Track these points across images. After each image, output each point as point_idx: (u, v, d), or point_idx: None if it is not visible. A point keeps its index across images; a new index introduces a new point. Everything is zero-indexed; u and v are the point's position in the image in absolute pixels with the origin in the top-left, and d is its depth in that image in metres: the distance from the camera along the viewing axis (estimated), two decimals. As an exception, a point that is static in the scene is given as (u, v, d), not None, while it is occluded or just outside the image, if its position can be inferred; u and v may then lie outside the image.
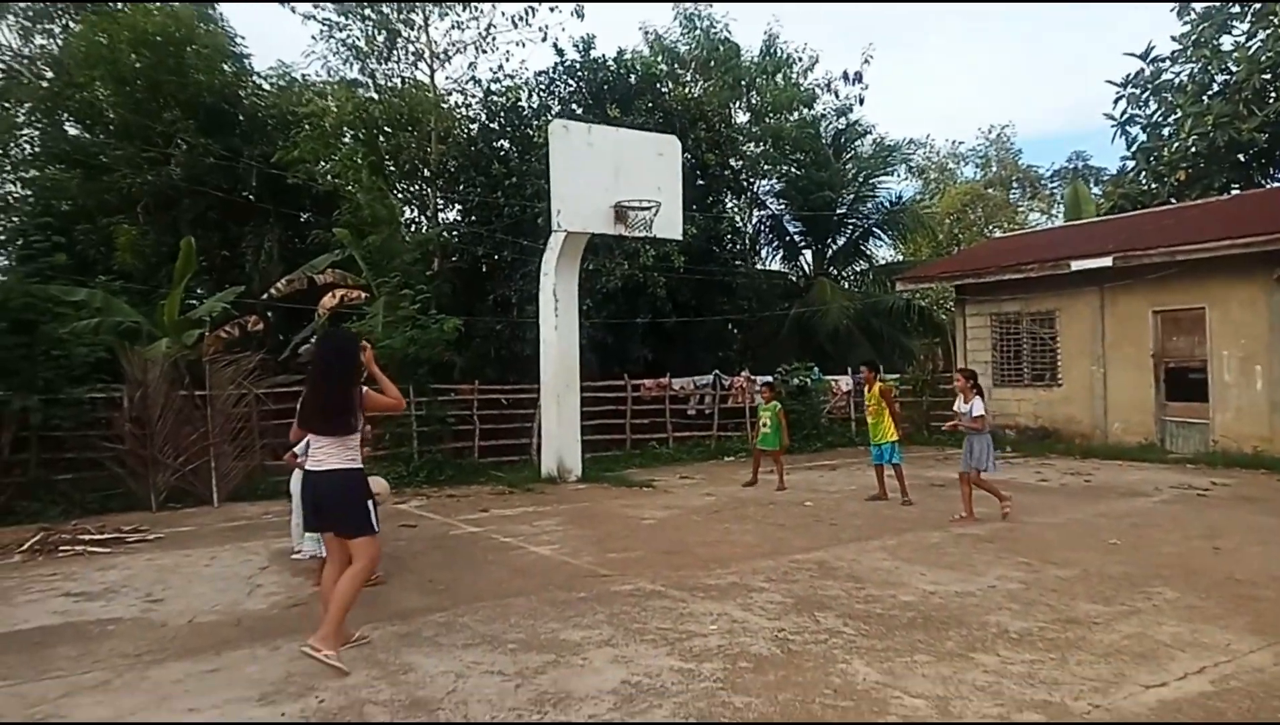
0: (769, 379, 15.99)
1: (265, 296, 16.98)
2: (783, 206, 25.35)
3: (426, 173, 19.77)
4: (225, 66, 19.47)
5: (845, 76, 24.51)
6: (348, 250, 16.72)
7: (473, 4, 19.33)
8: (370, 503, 5.07)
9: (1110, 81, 25.32)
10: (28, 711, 4.36)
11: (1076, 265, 15.61)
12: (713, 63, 22.28)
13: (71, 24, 19.58)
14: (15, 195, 20.09)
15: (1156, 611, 5.70)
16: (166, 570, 7.71)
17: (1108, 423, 15.82)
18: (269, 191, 18.90)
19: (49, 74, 19.88)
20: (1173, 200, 21.85)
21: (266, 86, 20.78)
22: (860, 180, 25.11)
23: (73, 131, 19.93)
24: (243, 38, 20.85)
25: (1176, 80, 24.13)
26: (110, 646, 5.46)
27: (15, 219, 19.19)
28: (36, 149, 20.21)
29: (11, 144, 20.17)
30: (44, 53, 20.34)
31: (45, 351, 11.07)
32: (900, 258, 28.90)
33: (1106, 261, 15.14)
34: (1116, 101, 25.30)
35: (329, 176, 19.00)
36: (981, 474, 9.27)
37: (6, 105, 19.81)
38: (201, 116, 18.36)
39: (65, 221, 17.62)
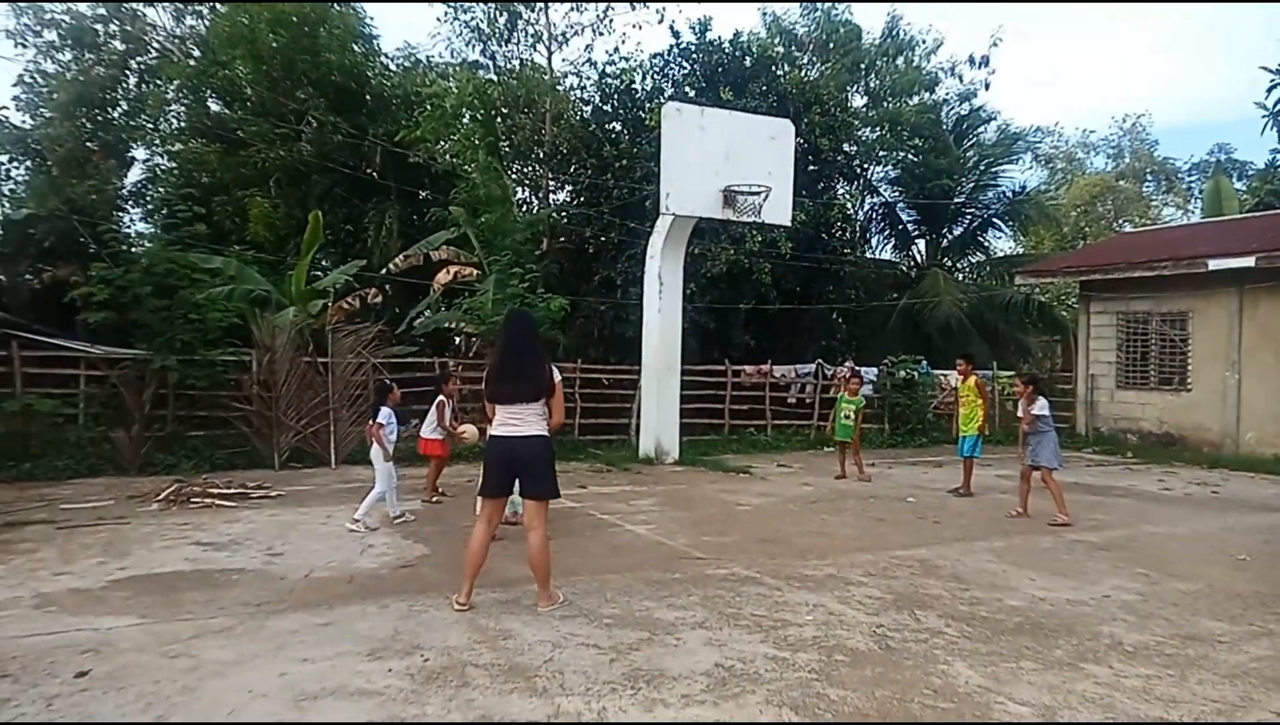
0: (857, 370, 15.66)
1: (385, 271, 17.67)
2: (897, 194, 24.66)
3: (540, 154, 20.10)
4: (355, 47, 20.25)
5: (971, 60, 23.64)
6: (462, 228, 17.20)
7: (592, -15, 19.49)
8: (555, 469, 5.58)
9: (1264, 68, 23.59)
10: (162, 648, 4.71)
11: (1215, 264, 14.64)
12: (831, 45, 21.79)
13: (219, 4, 20.73)
14: (162, 167, 21.49)
15: (1290, 636, 5.33)
16: (286, 526, 8.16)
17: (1240, 432, 14.81)
18: (391, 169, 19.62)
19: (196, 53, 21.14)
20: (1330, 196, 20.17)
21: (393, 67, 21.53)
22: (981, 168, 24.15)
23: (215, 108, 21.15)
24: (372, 19, 21.74)
25: (1342, 66, 22.20)
26: (235, 594, 5.83)
27: (161, 189, 20.51)
28: (182, 124, 21.55)
29: (161, 119, 21.58)
30: (192, 32, 21.66)
31: (184, 315, 11.82)
32: (1021, 250, 27.71)
33: (1249, 261, 14.13)
34: (1270, 90, 23.53)
35: (448, 156, 19.56)
36: (1053, 472, 9.26)
37: (159, 82, 21.20)
38: (331, 95, 19.18)
39: (205, 193, 18.74)
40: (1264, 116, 23.68)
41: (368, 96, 20.25)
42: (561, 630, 5.10)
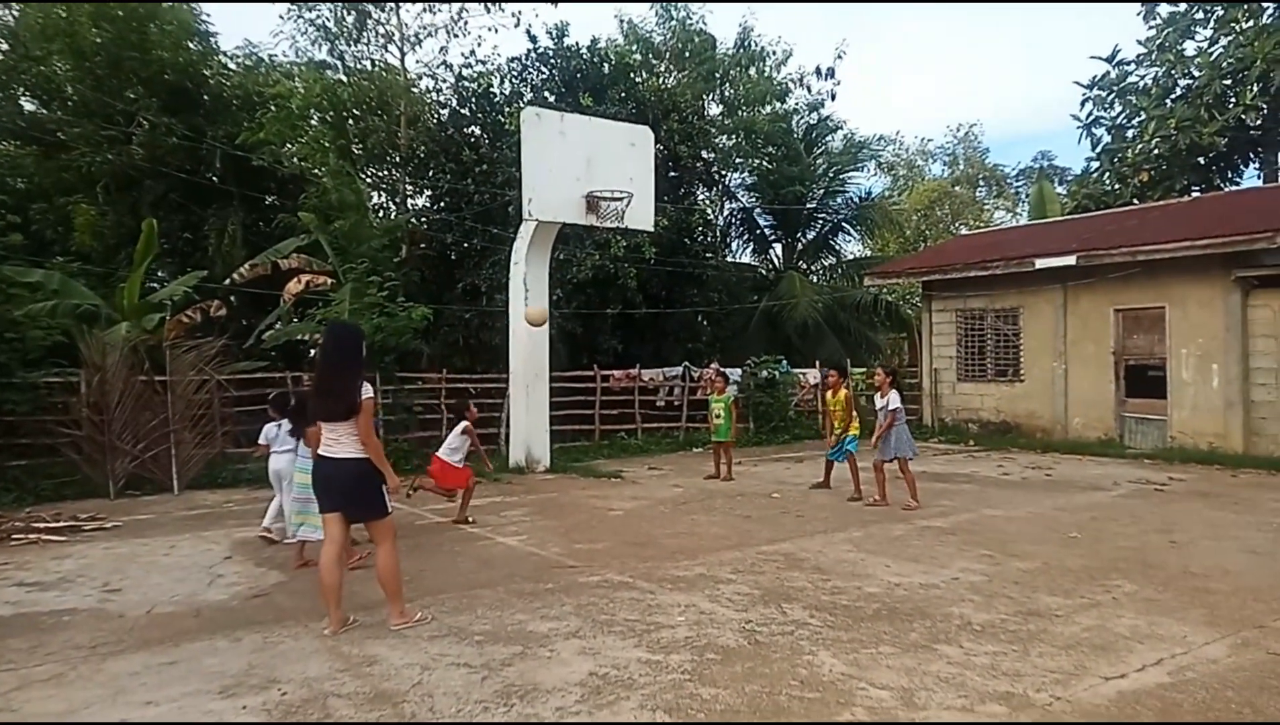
0: (722, 370, 16.08)
1: (228, 281, 16.65)
2: (754, 200, 25.46)
3: (396, 158, 19.54)
4: (190, 44, 19.03)
5: (818, 72, 24.64)
6: (314, 235, 16.47)
7: (444, -14, 19.11)
8: (383, 486, 5.38)
9: (1077, 83, 25.75)
10: (-22, 704, 4.25)
11: (1041, 263, 15.85)
12: (687, 54, 22.26)
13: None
14: (-33, 171, 19.49)
15: (1115, 604, 5.81)
16: (124, 559, 7.56)
17: (1068, 418, 16.10)
18: (233, 174, 18.56)
19: (3, 45, 19.29)
20: (1135, 201, 22.26)
21: (232, 66, 20.36)
22: (830, 175, 25.29)
23: (29, 107, 19.39)
24: (208, 15, 20.50)
25: (1141, 83, 24.59)
26: (65, 638, 5.33)
27: (-33, 196, 18.62)
28: (-9, 124, 19.62)
29: (-37, 119, 19.57)
30: (-2, 24, 19.77)
31: (-1, 334, 10.78)
32: (869, 253, 29.17)
33: (1070, 260, 15.39)
34: (1083, 103, 25.72)
35: (295, 159, 18.70)
36: (908, 461, 9.86)
37: (-42, 79, 19.21)
38: (165, 95, 17.94)
39: (21, 200, 17.17)
40: (1078, 127, 25.84)
41: (205, 97, 19.08)
42: (430, 651, 4.94)
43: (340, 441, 5.26)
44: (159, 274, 18.05)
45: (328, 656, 4.87)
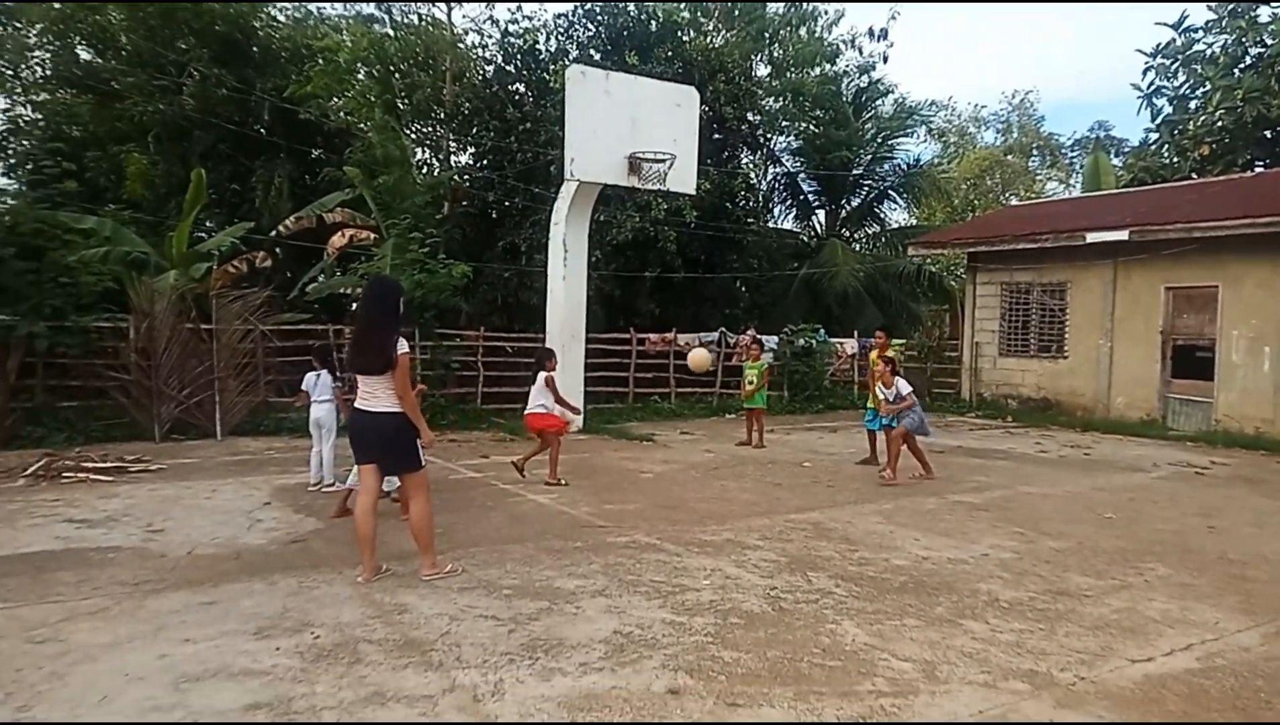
0: (758, 337, 15.99)
1: (274, 233, 16.91)
2: (799, 164, 25.08)
3: (440, 114, 19.53)
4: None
5: (870, 33, 24.05)
6: (358, 190, 16.59)
7: (493, -59, 18.92)
8: (417, 440, 5.44)
9: (1140, 51, 24.85)
10: (27, 634, 4.44)
11: (1091, 237, 15.44)
12: (736, 12, 21.83)
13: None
14: (26, 118, 19.91)
15: (1148, 587, 5.73)
16: (168, 501, 7.80)
17: (1111, 397, 15.79)
18: (281, 126, 18.73)
19: (60, -5, 19.57)
20: (1194, 175, 21.52)
21: (282, 19, 20.47)
22: (879, 141, 24.79)
23: (85, 56, 19.69)
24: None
25: (1208, 52, 23.59)
26: (110, 574, 5.54)
27: (25, 143, 19.04)
28: (48, 72, 19.97)
29: (22, 66, 19.94)
30: (56, -28, 20.02)
31: (53, 278, 11.08)
32: (914, 222, 28.64)
33: (1123, 235, 14.97)
34: (1145, 72, 24.81)
35: (342, 114, 18.80)
36: (919, 438, 9.88)
37: (18, 25, 19.54)
38: (215, 46, 18.11)
39: (75, 147, 17.51)
40: (1139, 97, 24.97)
41: (254, 49, 19.21)
42: (459, 603, 5.04)
43: (376, 395, 5.34)
44: (207, 224, 18.36)
45: (360, 603, 5.00)
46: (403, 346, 5.31)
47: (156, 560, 5.88)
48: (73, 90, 19.02)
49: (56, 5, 18.57)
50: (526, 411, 9.13)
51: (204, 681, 3.90)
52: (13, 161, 19.42)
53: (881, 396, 10.03)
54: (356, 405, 5.48)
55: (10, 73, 19.84)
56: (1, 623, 4.61)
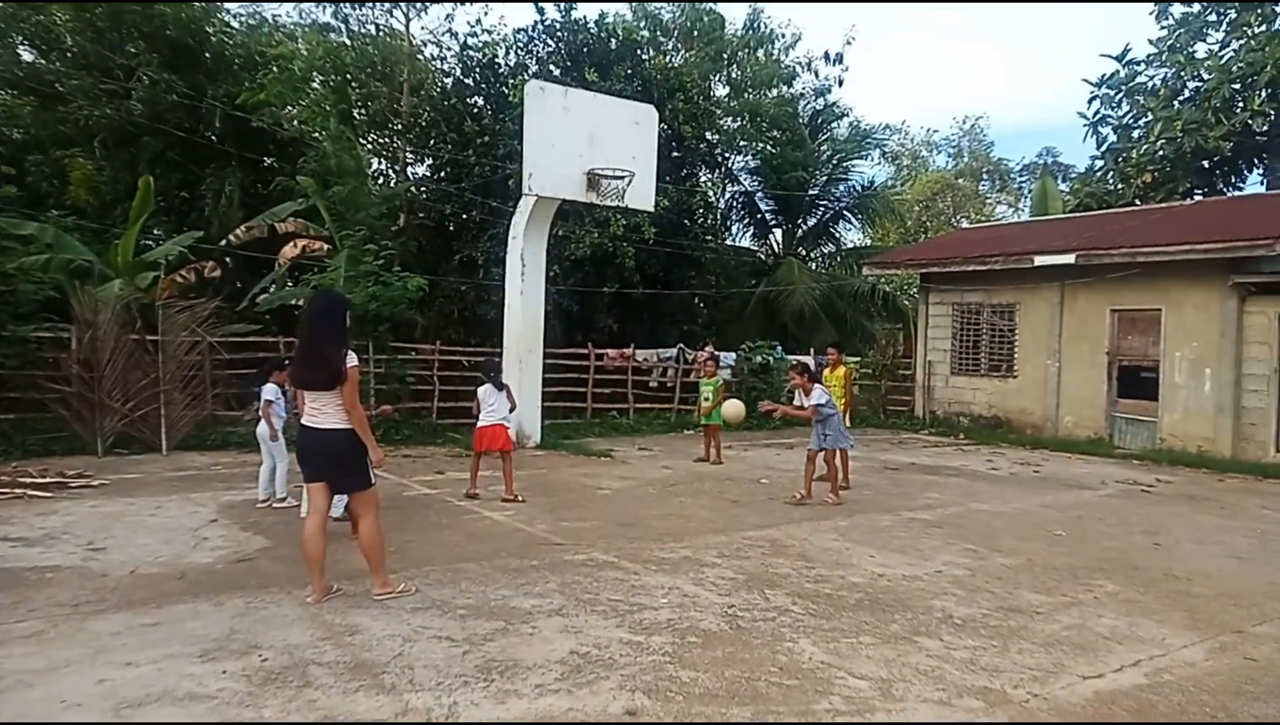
0: (716, 353, 16.02)
1: (224, 242, 16.55)
2: (756, 183, 25.34)
3: (397, 125, 19.39)
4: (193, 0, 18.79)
5: (826, 57, 24.52)
6: (311, 200, 16.34)
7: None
8: (366, 457, 5.32)
9: (1086, 80, 25.60)
10: (-43, 657, 4.24)
11: (1040, 260, 15.83)
12: (695, 32, 22.07)
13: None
14: (-37, 120, 19.28)
15: (1097, 603, 5.84)
16: (110, 518, 7.54)
17: (1059, 416, 16.14)
18: (233, 134, 18.38)
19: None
20: (1137, 202, 22.21)
21: (235, 24, 20.13)
22: (834, 162, 25.19)
23: (27, 57, 19.13)
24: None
25: (1150, 84, 24.45)
26: (47, 595, 5.32)
27: (-38, 145, 18.43)
28: (-13, 73, 19.37)
29: (-40, 66, 19.31)
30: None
31: (-10, 286, 10.71)
32: (869, 242, 29.11)
33: (1069, 258, 15.37)
34: (1090, 101, 25.59)
35: (295, 122, 18.52)
36: (843, 452, 9.80)
37: (-45, 25, 18.94)
38: (166, 51, 17.73)
39: (16, 151, 17.01)
40: (1084, 125, 25.73)
41: (206, 55, 18.85)
42: (413, 623, 4.94)
43: (324, 411, 5.20)
44: (154, 232, 17.91)
45: (310, 624, 4.88)
46: (352, 359, 5.18)
47: (97, 580, 5.67)
48: (13, 91, 18.47)
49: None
50: (488, 425, 8.86)
51: (146, 707, 3.76)
52: (-52, 164, 18.78)
53: (796, 402, 9.92)
54: (303, 422, 5.34)
55: (-52, 73, 19.22)
56: (-72, 647, 4.40)
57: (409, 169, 20.33)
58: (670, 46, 22.24)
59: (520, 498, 8.80)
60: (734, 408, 10.78)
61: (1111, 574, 6.63)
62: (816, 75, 24.64)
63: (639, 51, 20.10)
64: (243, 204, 18.05)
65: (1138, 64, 24.69)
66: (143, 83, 17.43)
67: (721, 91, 23.23)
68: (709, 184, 22.92)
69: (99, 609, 5.07)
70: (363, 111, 19.17)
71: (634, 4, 23.06)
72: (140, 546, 6.58)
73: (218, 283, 16.19)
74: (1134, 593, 6.14)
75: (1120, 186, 24.07)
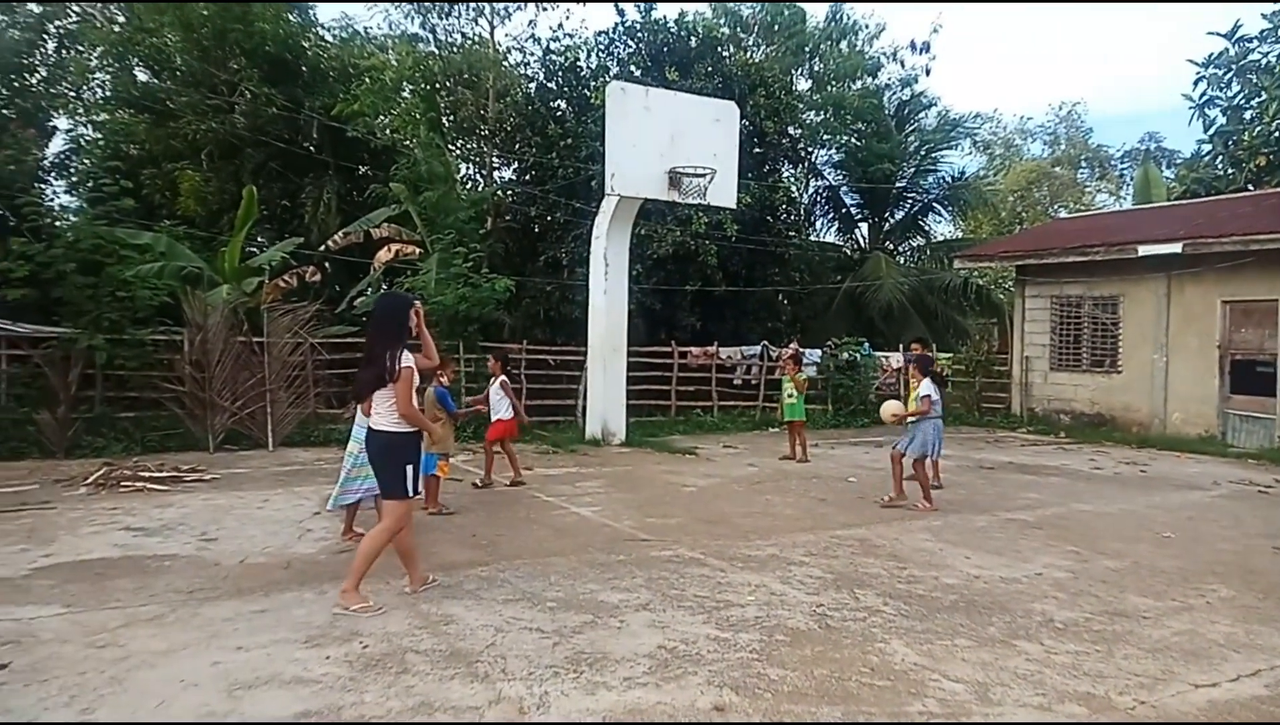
0: (800, 351, 15.78)
1: (323, 248, 17.25)
2: (840, 177, 24.95)
3: (484, 131, 19.81)
4: (290, 16, 19.62)
5: (912, 46, 23.93)
6: (404, 206, 16.86)
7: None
8: (408, 466, 5.17)
9: (1191, 61, 24.26)
10: (89, 638, 4.54)
11: (1144, 250, 15.10)
12: (776, 27, 21.86)
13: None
14: (87, 138, 20.59)
15: (1210, 609, 5.55)
16: (221, 510, 7.95)
17: (1167, 412, 15.37)
18: (329, 144, 19.12)
19: (120, 18, 20.24)
20: (1250, 187, 20.92)
21: (329, 38, 20.95)
22: (922, 153, 24.56)
23: (142, 77, 20.31)
24: (308, -13, 20.99)
25: (1263, 61, 22.98)
26: (166, 582, 5.65)
27: (86, 161, 19.67)
28: (107, 93, 20.65)
29: (84, 87, 20.64)
30: (115, -3, 20.74)
31: (111, 293, 11.41)
32: (960, 235, 28.31)
33: (1176, 248, 14.60)
34: (1196, 82, 24.18)
35: (387, 131, 19.13)
36: (929, 460, 8.93)
37: (80, 49, 20.25)
38: (265, 66, 18.58)
39: (133, 166, 18.04)
40: (1190, 108, 24.38)
41: (303, 68, 19.67)
42: (505, 614, 5.06)
43: (376, 410, 5.19)
44: (258, 239, 18.79)
45: (407, 613, 5.04)
46: (406, 360, 5.08)
47: (210, 568, 5.99)
48: (130, 110, 19.61)
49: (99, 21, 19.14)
50: (499, 418, 9.49)
51: (256, 689, 3.95)
52: (74, 180, 20.07)
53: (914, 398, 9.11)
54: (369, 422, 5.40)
55: (73, 94, 20.55)
56: (65, 627, 4.73)
57: (495, 173, 20.77)
58: (750, 42, 22.08)
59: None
60: (890, 408, 9.80)
61: (1226, 578, 6.29)
62: (902, 65, 24.12)
63: (719, 49, 20.00)
64: (340, 211, 18.78)
65: (1249, 40, 23.24)
66: (245, 97, 18.32)
67: (804, 85, 22.95)
68: (792, 179, 22.65)
69: (212, 596, 5.36)
70: (451, 118, 19.66)
71: (714, 2, 22.99)
72: (249, 537, 6.92)
73: (318, 287, 16.88)
74: (1251, 598, 5.81)
75: (1231, 171, 22.70)
